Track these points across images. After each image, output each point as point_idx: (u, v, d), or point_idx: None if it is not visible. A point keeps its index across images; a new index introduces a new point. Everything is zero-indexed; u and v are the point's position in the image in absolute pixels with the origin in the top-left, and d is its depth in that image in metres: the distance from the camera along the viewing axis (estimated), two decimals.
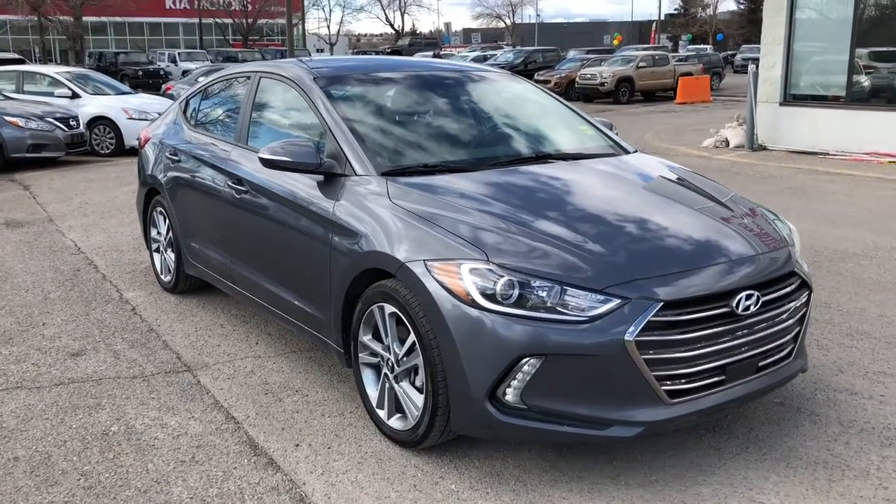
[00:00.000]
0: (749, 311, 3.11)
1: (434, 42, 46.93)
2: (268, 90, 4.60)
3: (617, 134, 4.77)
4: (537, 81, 30.20)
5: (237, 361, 4.44)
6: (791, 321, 3.34)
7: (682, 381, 3.03)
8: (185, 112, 5.55)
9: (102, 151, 14.23)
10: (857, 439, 3.48)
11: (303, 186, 3.90)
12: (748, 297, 3.11)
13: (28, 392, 4.07)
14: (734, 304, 3.07)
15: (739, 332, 3.12)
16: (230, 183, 4.52)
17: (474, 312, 2.96)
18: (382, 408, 3.49)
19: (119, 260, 6.72)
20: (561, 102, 4.83)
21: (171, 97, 16.96)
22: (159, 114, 13.36)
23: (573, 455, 3.34)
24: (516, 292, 2.94)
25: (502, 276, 2.97)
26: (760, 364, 3.25)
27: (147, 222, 5.92)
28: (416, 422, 3.29)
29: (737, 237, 3.40)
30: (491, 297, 2.95)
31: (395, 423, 3.42)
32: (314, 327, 3.91)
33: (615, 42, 42.35)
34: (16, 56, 24.29)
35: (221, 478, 3.22)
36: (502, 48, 39.65)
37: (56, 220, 8.51)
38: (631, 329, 2.88)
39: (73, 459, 3.37)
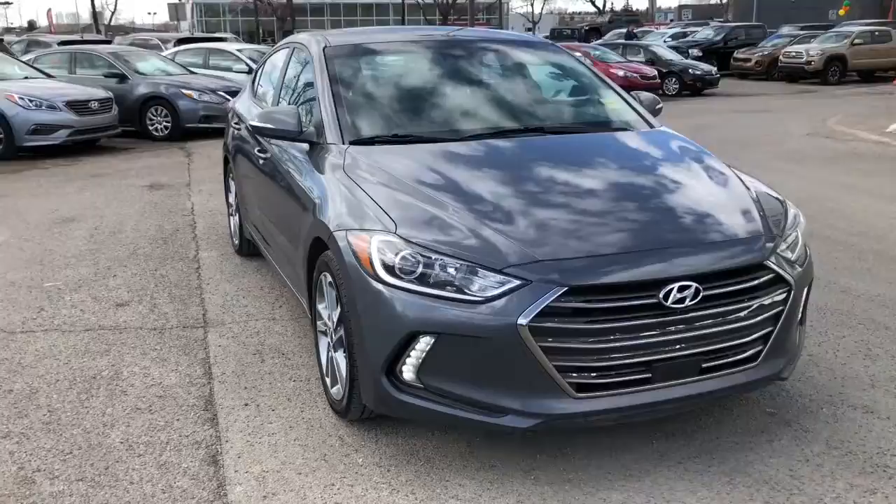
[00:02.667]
0: (684, 305, 2.79)
1: (635, 19, 45.41)
2: (295, 61, 4.70)
3: (658, 112, 4.43)
4: (735, 60, 28.47)
5: (251, 322, 4.62)
6: (755, 320, 2.96)
7: (592, 374, 2.78)
8: (252, 82, 5.79)
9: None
10: (835, 462, 3.03)
11: (298, 154, 3.96)
12: (683, 288, 2.79)
13: (60, 334, 4.47)
14: (662, 296, 2.77)
15: (672, 328, 2.81)
16: (257, 150, 4.68)
17: (376, 285, 2.89)
18: (328, 376, 3.50)
19: (218, 223, 7.15)
20: (593, 74, 4.53)
21: None
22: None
23: (498, 443, 3.17)
24: (420, 268, 2.83)
25: (404, 250, 2.87)
26: (705, 366, 2.91)
27: (226, 188, 6.27)
28: (341, 393, 3.27)
29: (683, 225, 3.07)
30: (391, 271, 2.87)
31: (334, 391, 3.42)
32: (299, 292, 3.99)
33: (841, 13, 38.52)
34: (219, 35, 26.33)
35: (160, 428, 3.37)
36: (708, 24, 37.51)
37: (192, 185, 9.20)
38: (525, 313, 2.68)
39: (52, 397, 3.67)
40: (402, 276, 2.84)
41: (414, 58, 4.35)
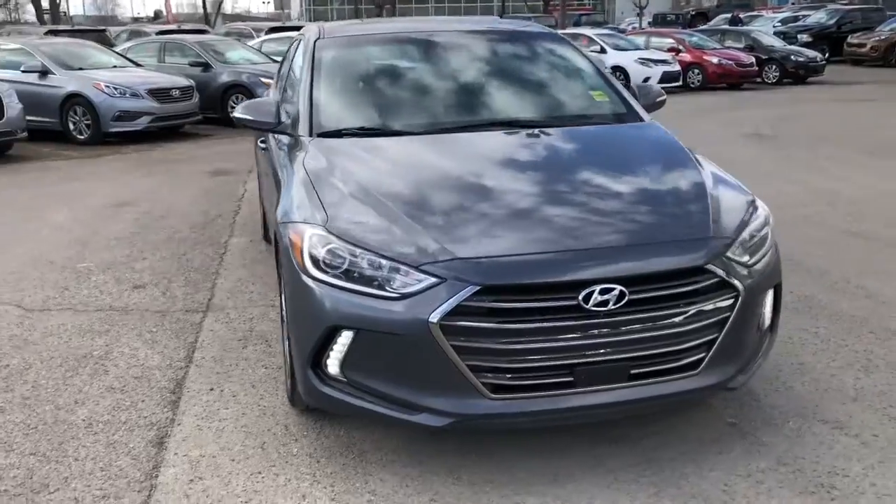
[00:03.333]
0: (607, 308, 2.70)
1: (745, 3, 43.55)
2: (299, 52, 4.77)
3: (659, 105, 4.30)
4: (849, 46, 26.92)
5: (250, 308, 4.74)
6: (694, 326, 2.83)
7: (508, 376, 2.73)
8: (277, 73, 5.91)
9: None
10: (777, 480, 2.88)
11: (284, 146, 4.04)
12: (606, 291, 2.69)
13: (72, 314, 4.72)
14: (581, 298, 2.68)
15: (594, 331, 2.72)
16: (260, 141, 4.80)
17: (304, 278, 2.92)
18: (286, 365, 3.57)
19: (258, 210, 7.35)
20: (591, 66, 4.39)
21: None
22: None
23: (436, 440, 3.15)
24: (346, 264, 2.84)
25: (330, 245, 2.89)
26: (634, 372, 2.81)
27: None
28: (287, 383, 3.33)
29: (619, 226, 2.97)
30: (318, 265, 2.89)
31: (289, 382, 3.48)
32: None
33: None
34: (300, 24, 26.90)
35: (124, 408, 3.52)
36: (825, 7, 35.59)
37: (253, 172, 9.46)
38: (437, 311, 2.66)
39: (41, 374, 3.88)
40: (328, 270, 2.86)
41: (403, 51, 4.35)
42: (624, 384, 2.82)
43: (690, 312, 2.82)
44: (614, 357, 2.78)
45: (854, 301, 4.64)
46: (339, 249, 2.86)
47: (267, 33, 19.65)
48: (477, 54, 4.35)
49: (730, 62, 20.36)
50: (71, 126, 11.96)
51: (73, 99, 11.85)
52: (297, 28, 21.21)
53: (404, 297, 2.72)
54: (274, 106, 3.91)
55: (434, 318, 2.66)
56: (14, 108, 10.56)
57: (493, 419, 2.79)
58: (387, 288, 2.75)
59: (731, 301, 2.89)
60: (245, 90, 13.67)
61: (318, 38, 4.34)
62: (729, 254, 2.95)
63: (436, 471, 2.97)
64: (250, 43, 17.19)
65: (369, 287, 2.77)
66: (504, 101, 4.10)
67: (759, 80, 21.17)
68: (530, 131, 3.73)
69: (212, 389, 3.68)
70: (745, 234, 3.07)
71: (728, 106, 16.27)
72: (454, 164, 3.39)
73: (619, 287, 2.71)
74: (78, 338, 4.33)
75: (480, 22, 5.00)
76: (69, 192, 8.34)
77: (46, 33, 19.07)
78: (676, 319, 2.81)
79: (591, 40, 20.67)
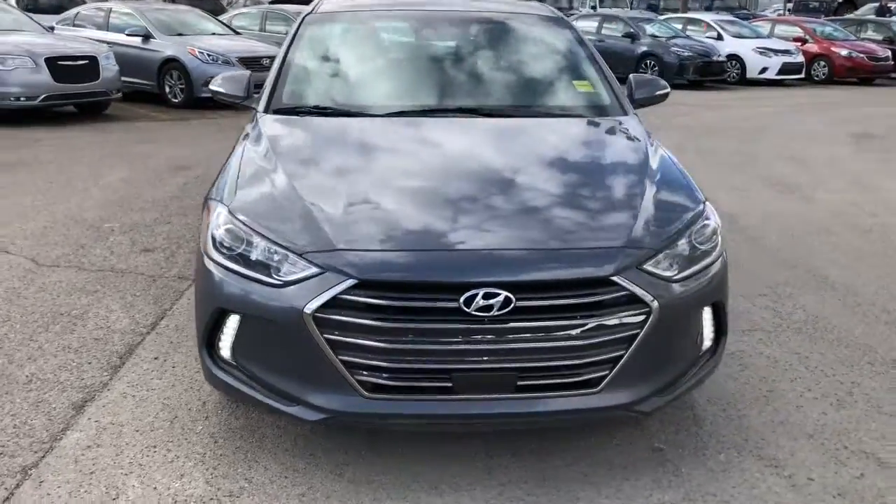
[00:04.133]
0: (490, 314, 2.54)
1: None
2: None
3: (659, 99, 4.05)
4: None
5: None
6: (593, 341, 2.62)
7: (384, 375, 2.62)
8: None
9: None
10: None
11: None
12: (489, 296, 2.53)
13: (75, 272, 4.90)
14: (463, 301, 2.53)
15: (477, 336, 2.57)
16: None
17: (204, 258, 2.90)
18: None
19: None
20: (586, 55, 4.14)
21: None
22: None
23: (341, 433, 3.07)
24: (242, 246, 2.79)
25: (229, 225, 2.85)
26: (521, 383, 2.63)
27: None
28: None
29: (522, 227, 2.78)
30: (216, 245, 2.86)
31: None
32: None
33: None
34: None
35: (69, 368, 3.62)
36: None
37: None
38: (312, 302, 2.57)
39: (15, 328, 4.05)
40: (224, 251, 2.82)
41: (388, 30, 4.23)
42: (510, 395, 2.65)
43: (589, 326, 2.61)
44: (499, 366, 2.61)
45: (869, 327, 4.22)
46: (238, 231, 2.81)
47: None
48: (464, 37, 4.19)
49: (861, 55, 19.02)
50: (167, 89, 12.45)
51: (170, 63, 12.32)
52: None
53: (286, 284, 2.65)
54: (244, 80, 3.89)
55: (308, 309, 2.57)
56: (110, 69, 11.07)
57: (369, 419, 2.69)
58: (273, 275, 2.68)
59: (641, 318, 2.65)
60: None
61: (309, 13, 4.29)
62: (647, 266, 2.71)
63: (322, 465, 2.90)
64: None
65: (257, 272, 2.71)
66: (477, 87, 3.93)
67: (893, 75, 19.68)
68: (487, 120, 3.55)
69: (156, 358, 3.73)
70: (679, 246, 2.82)
71: (845, 101, 15.21)
72: (386, 150, 3.27)
73: (504, 293, 2.54)
74: (66, 296, 4.49)
75: (485, 2, 4.80)
76: (138, 154, 8.67)
77: None
78: (572, 332, 2.60)
79: (709, 26, 19.77)
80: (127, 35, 12.61)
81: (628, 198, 2.98)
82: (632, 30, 18.32)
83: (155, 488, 2.74)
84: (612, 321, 2.64)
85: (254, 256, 2.74)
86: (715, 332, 3.02)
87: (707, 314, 2.93)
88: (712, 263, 2.92)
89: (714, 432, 3.15)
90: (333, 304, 2.58)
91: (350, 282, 2.57)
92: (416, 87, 3.89)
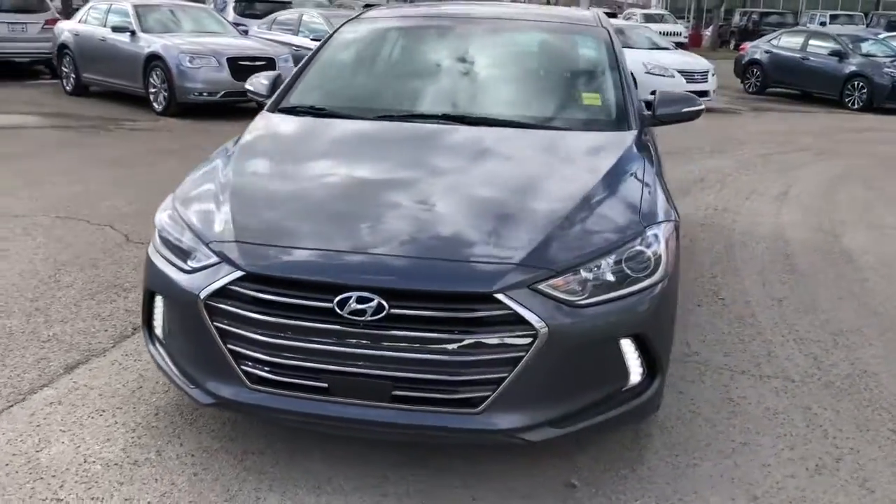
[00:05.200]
0: (363, 319, 2.53)
1: None
2: None
3: (684, 116, 3.87)
4: None
5: None
6: (471, 358, 2.54)
7: (266, 368, 2.68)
8: None
9: None
10: None
11: None
12: (363, 300, 2.52)
13: (79, 223, 5.38)
14: (336, 303, 2.54)
15: (352, 340, 2.57)
16: None
17: (150, 246, 3.10)
18: None
19: None
20: (611, 64, 3.93)
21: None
22: (680, 71, 13.72)
23: (279, 427, 3.16)
24: (174, 233, 2.97)
25: (167, 212, 3.05)
26: (396, 393, 2.59)
27: None
28: None
29: (422, 234, 2.74)
30: (156, 231, 3.06)
31: None
32: None
33: None
34: (609, 11, 26.11)
35: (86, 333, 3.99)
36: None
37: None
38: (205, 290, 2.70)
39: (71, 293, 4.51)
40: (160, 236, 3.01)
41: (415, 38, 4.28)
42: (386, 404, 2.61)
43: (466, 342, 2.52)
44: (374, 373, 2.58)
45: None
46: (175, 219, 2.99)
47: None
48: (487, 47, 4.14)
49: None
50: None
51: None
52: None
53: (193, 271, 2.78)
54: (269, 79, 4.08)
55: (202, 296, 2.69)
56: (286, 70, 11.91)
57: (252, 409, 2.76)
58: (187, 262, 2.82)
59: (527, 340, 2.52)
60: None
61: (353, 19, 4.42)
62: (542, 286, 2.56)
63: (231, 450, 3.00)
64: None
65: (177, 258, 2.87)
66: (478, 97, 3.88)
67: None
68: (466, 129, 3.50)
69: (114, 331, 4.01)
70: (596, 270, 2.65)
71: None
72: (339, 153, 3.33)
73: (377, 299, 2.51)
74: (131, 270, 4.91)
75: (526, 12, 4.68)
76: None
77: (365, 6, 20.78)
78: (449, 347, 2.52)
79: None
80: (311, 40, 13.47)
81: (549, 214, 2.82)
82: (839, 48, 16.86)
83: (77, 447, 2.98)
84: (493, 340, 2.53)
85: (179, 243, 2.89)
86: (646, 367, 2.79)
87: (628, 347, 2.71)
88: (639, 292, 2.70)
89: (645, 479, 2.90)
90: (223, 293, 2.67)
91: (238, 273, 2.65)
92: (415, 93, 3.90)
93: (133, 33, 11.79)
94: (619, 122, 3.61)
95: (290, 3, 18.15)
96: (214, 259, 2.73)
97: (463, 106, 3.75)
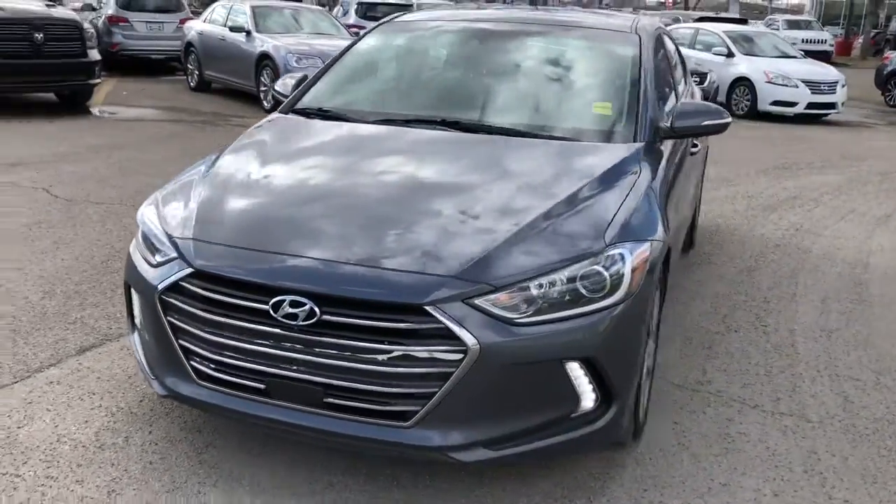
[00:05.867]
0: (295, 323, 2.52)
1: None
2: None
3: (704, 128, 3.64)
4: None
5: None
6: (402, 371, 2.48)
7: (211, 366, 2.73)
8: None
9: (738, 112, 14.32)
10: None
11: None
12: (295, 304, 2.52)
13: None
14: (272, 305, 2.55)
15: (287, 343, 2.57)
16: None
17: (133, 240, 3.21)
18: None
19: None
20: (629, 75, 3.74)
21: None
22: (805, 82, 13.05)
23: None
24: (149, 229, 3.06)
25: (150, 206, 3.16)
26: (328, 400, 2.58)
27: None
28: None
29: (367, 241, 2.69)
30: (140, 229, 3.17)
31: None
32: None
33: None
34: (738, 17, 24.72)
35: (110, 318, 4.17)
36: None
37: None
38: (160, 285, 2.78)
39: (115, 279, 4.74)
40: (140, 232, 3.10)
41: (443, 42, 4.23)
42: (318, 411, 2.59)
43: (395, 354, 2.46)
44: (307, 378, 2.57)
45: None
46: (151, 214, 3.09)
47: (695, 21, 18.97)
48: (506, 53, 4.03)
49: None
50: None
51: None
52: (735, 21, 20.26)
53: (156, 266, 2.86)
54: (294, 81, 4.14)
55: (158, 290, 2.76)
56: None
57: (198, 405, 2.81)
58: (154, 256, 2.90)
59: (457, 356, 2.43)
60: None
61: (386, 23, 4.42)
62: (479, 302, 2.47)
63: (195, 441, 3.07)
64: None
65: (149, 252, 2.95)
66: (488, 103, 3.79)
67: None
68: (460, 136, 3.44)
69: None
70: (542, 287, 2.53)
71: None
72: (324, 155, 3.34)
73: (310, 304, 2.50)
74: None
75: (558, 18, 4.52)
76: None
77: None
78: (379, 357, 2.48)
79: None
80: None
81: (503, 227, 2.71)
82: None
83: (56, 427, 3.12)
84: (423, 354, 2.46)
85: (154, 238, 2.97)
86: (600, 393, 2.64)
87: (576, 370, 2.57)
88: (591, 314, 2.56)
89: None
90: (176, 289, 2.73)
91: (189, 270, 2.71)
92: (419, 98, 3.86)
93: (248, 33, 12.30)
94: (622, 133, 3.43)
95: (410, 6, 18.39)
96: (173, 255, 2.80)
97: (463, 112, 3.67)
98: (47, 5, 11.26)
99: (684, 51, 15.07)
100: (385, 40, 4.31)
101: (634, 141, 3.38)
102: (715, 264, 5.58)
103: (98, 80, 11.23)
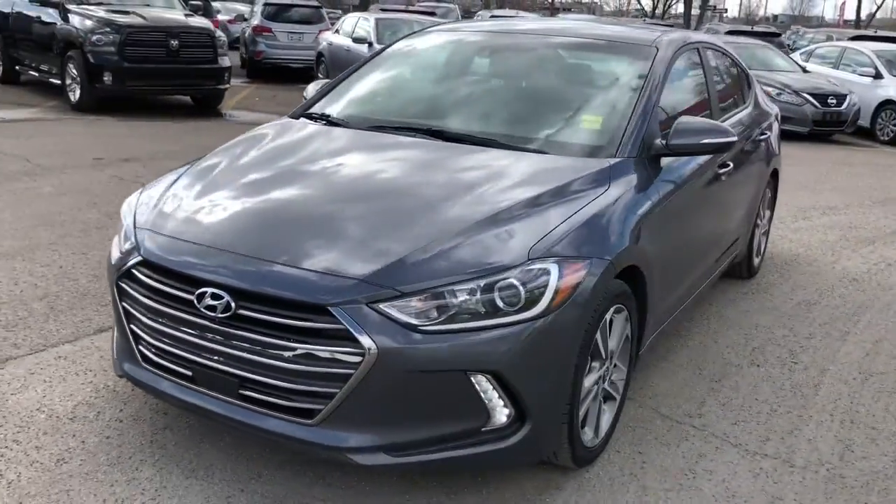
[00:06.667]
0: (214, 314, 2.64)
1: None
2: None
3: (700, 147, 3.47)
4: None
5: None
6: (303, 369, 2.54)
7: (153, 351, 2.89)
8: None
9: (882, 138, 13.37)
10: None
11: None
12: (215, 297, 2.64)
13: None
14: (196, 296, 2.68)
15: (208, 334, 2.69)
16: None
17: None
18: None
19: None
20: (630, 88, 3.62)
21: None
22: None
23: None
24: (124, 221, 3.27)
25: (130, 200, 3.36)
26: (243, 392, 2.67)
27: None
28: None
29: (278, 240, 2.75)
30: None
31: None
32: None
33: None
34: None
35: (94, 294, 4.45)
36: None
37: None
38: (119, 271, 2.97)
39: None
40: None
41: (448, 50, 4.28)
42: (235, 401, 2.69)
43: (300, 352, 2.52)
44: (225, 369, 2.68)
45: None
46: (129, 206, 3.29)
47: (850, 40, 17.81)
48: (515, 65, 4.03)
49: None
50: None
51: None
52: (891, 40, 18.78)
53: (120, 254, 3.05)
54: (319, 85, 4.28)
55: (116, 276, 2.96)
56: None
57: (143, 387, 2.96)
58: (124, 244, 3.10)
59: (356, 359, 2.46)
60: None
61: (414, 33, 4.49)
62: (383, 306, 2.49)
63: (157, 423, 3.22)
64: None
65: (121, 240, 3.15)
66: (475, 113, 3.77)
67: None
68: (432, 143, 3.45)
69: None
70: (457, 295, 2.52)
71: None
72: (298, 156, 3.44)
73: (227, 297, 2.60)
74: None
75: (576, 28, 4.41)
76: None
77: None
78: (285, 354, 2.55)
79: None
80: None
81: (424, 234, 2.70)
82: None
83: (43, 397, 3.37)
84: (325, 354, 2.50)
85: (125, 227, 3.16)
86: (514, 410, 2.58)
87: (485, 383, 2.52)
88: (503, 327, 2.51)
89: None
90: (129, 276, 2.91)
91: (139, 258, 2.88)
92: (412, 106, 3.91)
93: (370, 44, 12.72)
94: (603, 148, 3.32)
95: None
96: (133, 243, 2.98)
97: (451, 121, 3.66)
98: (186, 15, 12.11)
99: (829, 71, 14.28)
100: (405, 50, 4.38)
101: (616, 157, 3.26)
102: (772, 295, 5.24)
103: (227, 86, 11.94)
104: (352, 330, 2.45)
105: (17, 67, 12.92)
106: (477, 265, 2.59)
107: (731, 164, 4.21)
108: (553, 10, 50.00)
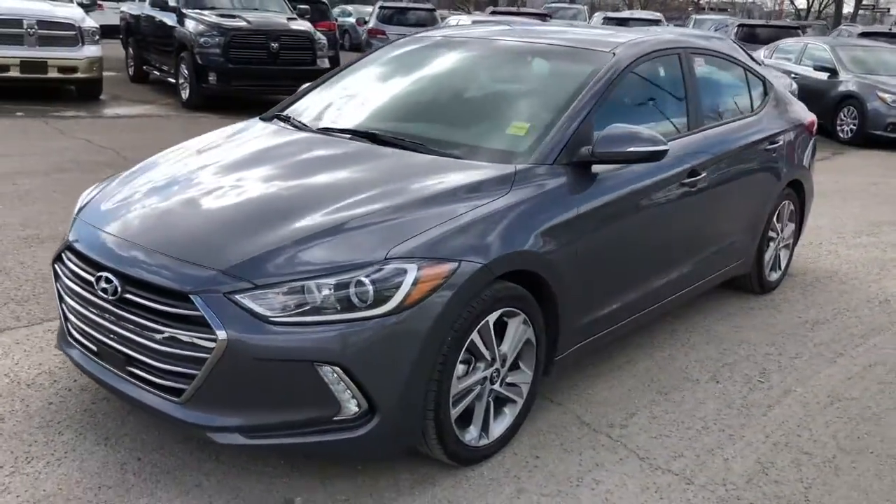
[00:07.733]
0: (106, 297, 2.92)
1: None
2: None
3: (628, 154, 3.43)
4: None
5: None
6: (169, 350, 2.78)
7: (74, 328, 3.21)
8: None
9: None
10: None
11: None
12: (108, 280, 2.92)
13: None
14: (95, 279, 2.97)
15: (106, 315, 2.97)
16: None
17: None
18: None
19: None
20: (568, 96, 3.61)
21: None
22: None
23: None
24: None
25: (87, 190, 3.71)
26: (130, 369, 2.94)
27: None
28: None
29: (175, 230, 3.02)
30: None
31: None
32: None
33: None
34: None
35: None
36: None
37: None
38: (55, 255, 3.31)
39: None
40: None
41: (418, 57, 4.40)
42: (125, 377, 2.95)
43: (166, 334, 2.76)
44: (117, 346, 2.94)
45: None
46: (83, 197, 3.62)
47: None
48: (475, 70, 4.10)
49: None
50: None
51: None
52: None
53: (63, 240, 3.38)
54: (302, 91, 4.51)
55: (53, 260, 3.31)
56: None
57: (71, 360, 3.27)
58: (68, 232, 3.42)
59: (211, 344, 2.67)
60: (857, 102, 12.32)
61: (415, 37, 4.64)
62: (238, 297, 2.68)
63: (98, 394, 3.54)
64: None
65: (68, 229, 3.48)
66: (417, 119, 3.89)
67: None
68: (355, 144, 3.59)
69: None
70: (312, 290, 2.69)
71: None
72: (226, 155, 3.65)
73: (115, 281, 2.87)
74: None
75: (552, 35, 4.35)
76: None
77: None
78: (156, 336, 2.79)
79: None
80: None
81: (292, 231, 2.87)
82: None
83: (16, 364, 3.75)
84: (186, 338, 2.72)
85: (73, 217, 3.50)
86: (364, 401, 2.71)
87: (330, 375, 2.66)
88: (349, 322, 2.65)
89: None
90: (59, 259, 3.24)
91: (67, 243, 3.20)
92: (358, 111, 4.04)
93: None
94: (518, 154, 3.34)
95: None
96: (69, 230, 3.30)
97: (388, 125, 3.76)
98: (288, 18, 12.73)
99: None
100: (380, 57, 4.54)
101: (529, 163, 3.28)
102: (778, 312, 5.02)
103: None
104: (206, 317, 2.64)
105: (143, 67, 14.01)
106: (334, 263, 2.72)
107: (704, 174, 4.10)
108: (698, 9, 48.35)
